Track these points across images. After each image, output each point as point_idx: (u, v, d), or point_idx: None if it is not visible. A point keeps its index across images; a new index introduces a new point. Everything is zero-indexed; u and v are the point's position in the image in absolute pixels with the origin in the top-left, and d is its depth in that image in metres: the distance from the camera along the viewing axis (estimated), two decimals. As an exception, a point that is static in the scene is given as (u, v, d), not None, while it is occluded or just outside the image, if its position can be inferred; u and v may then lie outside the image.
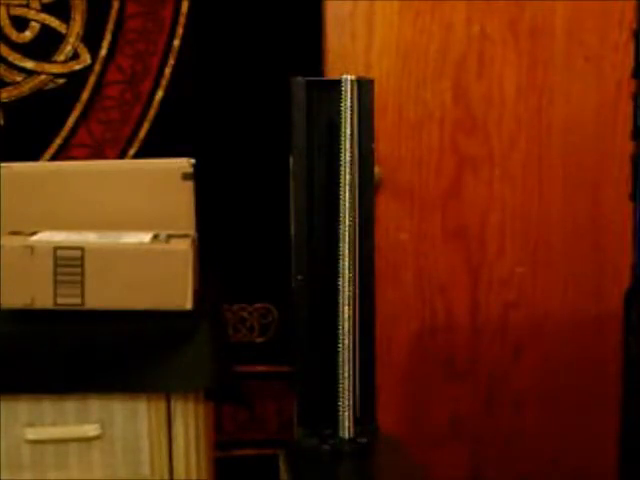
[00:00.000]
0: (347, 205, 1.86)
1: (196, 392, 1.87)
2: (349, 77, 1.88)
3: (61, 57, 2.45)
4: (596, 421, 2.66)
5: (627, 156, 2.60)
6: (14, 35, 2.44)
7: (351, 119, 1.88)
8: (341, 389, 1.87)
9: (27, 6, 2.43)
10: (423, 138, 2.55)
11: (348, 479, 1.86)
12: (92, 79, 2.47)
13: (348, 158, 1.86)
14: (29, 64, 2.45)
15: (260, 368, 2.58)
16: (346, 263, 1.86)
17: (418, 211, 2.57)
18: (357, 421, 1.89)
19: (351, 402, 1.87)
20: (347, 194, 1.86)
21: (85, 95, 2.47)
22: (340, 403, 1.87)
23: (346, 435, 1.87)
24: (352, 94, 1.88)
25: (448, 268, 2.59)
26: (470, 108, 2.55)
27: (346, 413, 1.87)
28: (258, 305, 2.59)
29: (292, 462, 1.85)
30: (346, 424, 1.87)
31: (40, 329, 1.83)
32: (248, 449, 2.61)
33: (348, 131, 1.86)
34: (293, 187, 1.93)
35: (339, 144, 1.87)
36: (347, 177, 1.86)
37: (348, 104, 1.86)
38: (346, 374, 1.86)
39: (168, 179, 2.01)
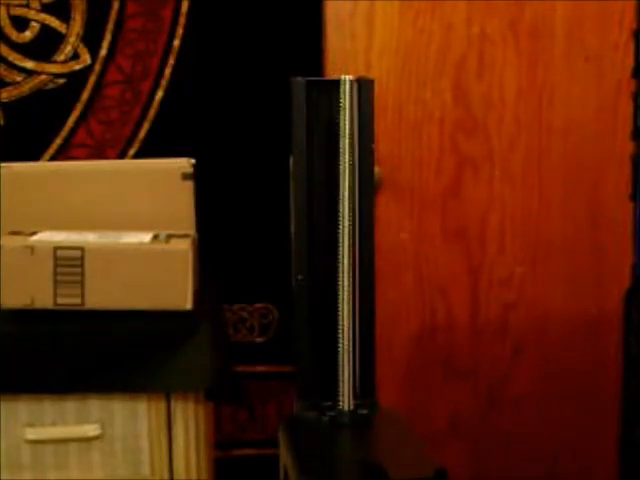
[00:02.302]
0: (347, 205, 1.86)
1: (196, 392, 1.87)
2: (348, 77, 1.88)
3: (61, 57, 2.45)
4: (596, 421, 2.66)
5: (627, 156, 2.60)
6: (14, 35, 2.44)
7: (351, 119, 1.88)
8: (340, 361, 1.86)
9: (27, 6, 2.43)
10: (423, 138, 2.55)
11: (347, 447, 1.86)
12: (92, 79, 2.47)
13: (348, 158, 1.86)
14: (29, 64, 2.45)
15: (260, 368, 2.58)
16: (346, 263, 1.86)
17: (418, 211, 2.57)
18: (356, 395, 1.89)
19: (350, 374, 1.87)
20: (347, 194, 1.86)
21: (85, 95, 2.47)
22: (339, 375, 1.87)
23: (345, 407, 1.87)
24: (352, 94, 1.88)
25: (448, 268, 2.59)
26: (470, 108, 2.56)
27: (345, 385, 1.86)
28: (258, 305, 2.59)
29: (291, 432, 1.84)
30: (345, 396, 1.86)
31: (40, 329, 1.83)
32: (248, 449, 2.61)
33: (347, 131, 1.86)
34: (293, 187, 1.93)
35: (339, 144, 1.87)
36: (347, 177, 1.86)
37: (347, 104, 1.86)
38: (345, 348, 1.86)
39: (168, 179, 2.01)
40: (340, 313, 1.87)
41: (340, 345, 1.87)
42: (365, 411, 1.89)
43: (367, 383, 1.92)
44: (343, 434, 1.86)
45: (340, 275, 1.87)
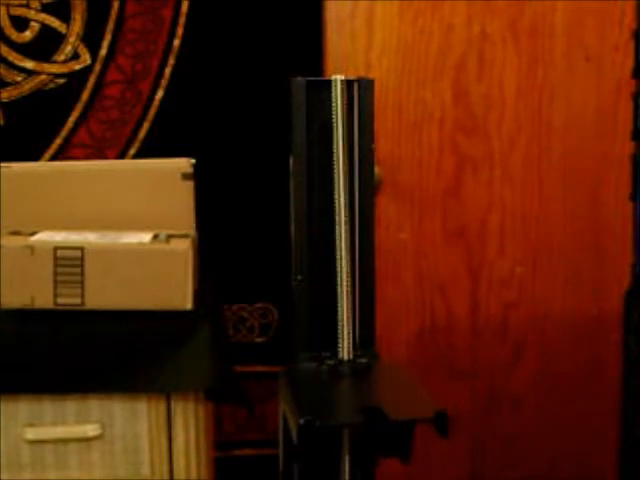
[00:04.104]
0: (342, 205, 1.86)
1: (196, 392, 1.87)
2: (339, 77, 1.88)
3: (61, 57, 2.45)
4: (596, 421, 2.66)
5: (627, 156, 2.60)
6: (14, 35, 2.44)
7: (350, 119, 1.88)
8: (340, 311, 1.86)
9: (27, 6, 2.43)
10: (423, 138, 2.55)
11: (347, 392, 1.85)
12: (92, 79, 2.47)
13: (342, 159, 1.86)
14: (29, 64, 2.45)
15: (260, 368, 2.58)
16: (345, 263, 1.86)
17: (418, 211, 2.57)
18: (356, 347, 1.89)
19: (350, 323, 1.86)
20: (342, 194, 1.86)
21: (85, 95, 2.47)
22: (339, 325, 1.86)
23: (345, 356, 1.87)
24: (351, 94, 1.88)
25: (448, 268, 2.59)
26: (470, 108, 2.56)
27: (345, 334, 1.86)
28: (258, 305, 2.59)
29: (290, 380, 1.83)
30: (345, 345, 1.86)
31: (40, 329, 1.83)
32: (248, 449, 2.61)
33: (340, 132, 1.86)
34: (293, 187, 1.93)
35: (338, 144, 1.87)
36: (342, 178, 1.86)
37: (339, 104, 1.86)
38: (345, 299, 1.86)
39: (168, 179, 2.01)
40: (340, 314, 1.87)
41: (339, 296, 1.86)
42: (365, 360, 1.89)
43: (366, 335, 1.92)
44: (343, 381, 1.85)
45: (340, 275, 1.87)
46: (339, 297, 1.86)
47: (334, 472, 1.79)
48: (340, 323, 1.86)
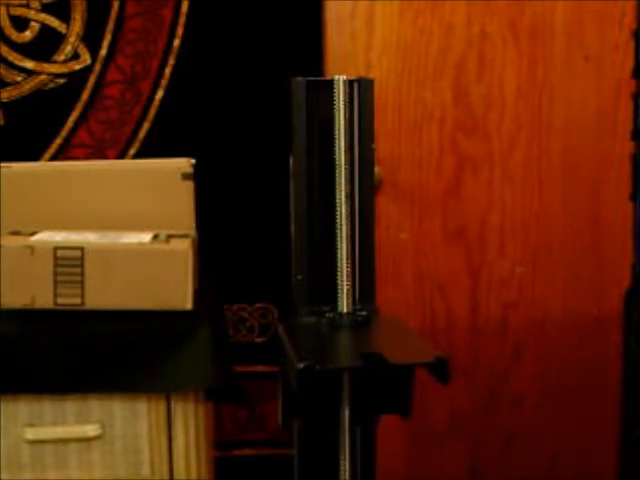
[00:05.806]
0: (343, 205, 1.86)
1: (196, 392, 1.87)
2: (342, 77, 1.88)
3: (61, 57, 2.45)
4: (596, 421, 2.66)
5: (627, 156, 2.60)
6: (14, 35, 2.44)
7: (350, 119, 1.88)
8: (339, 265, 1.86)
9: (27, 6, 2.43)
10: (423, 138, 2.55)
11: (347, 341, 1.83)
12: (92, 79, 2.47)
13: (343, 159, 1.86)
14: (29, 64, 2.45)
15: (260, 368, 2.58)
16: (345, 263, 1.86)
17: (418, 211, 2.57)
18: (355, 301, 1.89)
19: (350, 276, 1.86)
20: (343, 194, 1.86)
21: (85, 95, 2.47)
22: (338, 278, 1.86)
23: (344, 309, 1.87)
24: (351, 94, 1.88)
25: (448, 268, 2.59)
26: (470, 108, 2.56)
27: (344, 287, 1.85)
28: (258, 305, 2.59)
29: (290, 330, 1.82)
30: (344, 298, 1.85)
31: (40, 329, 1.83)
32: (248, 449, 2.61)
33: (342, 132, 1.86)
34: (293, 187, 1.93)
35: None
36: (343, 178, 1.86)
37: (342, 104, 1.86)
38: (344, 255, 1.86)
39: (168, 179, 2.01)
40: (339, 263, 1.86)
41: (339, 252, 1.86)
42: (364, 312, 1.88)
43: (366, 289, 1.91)
44: (342, 331, 1.85)
45: (340, 275, 1.87)
46: (339, 253, 1.86)
47: (333, 430, 1.78)
48: (339, 276, 1.86)
